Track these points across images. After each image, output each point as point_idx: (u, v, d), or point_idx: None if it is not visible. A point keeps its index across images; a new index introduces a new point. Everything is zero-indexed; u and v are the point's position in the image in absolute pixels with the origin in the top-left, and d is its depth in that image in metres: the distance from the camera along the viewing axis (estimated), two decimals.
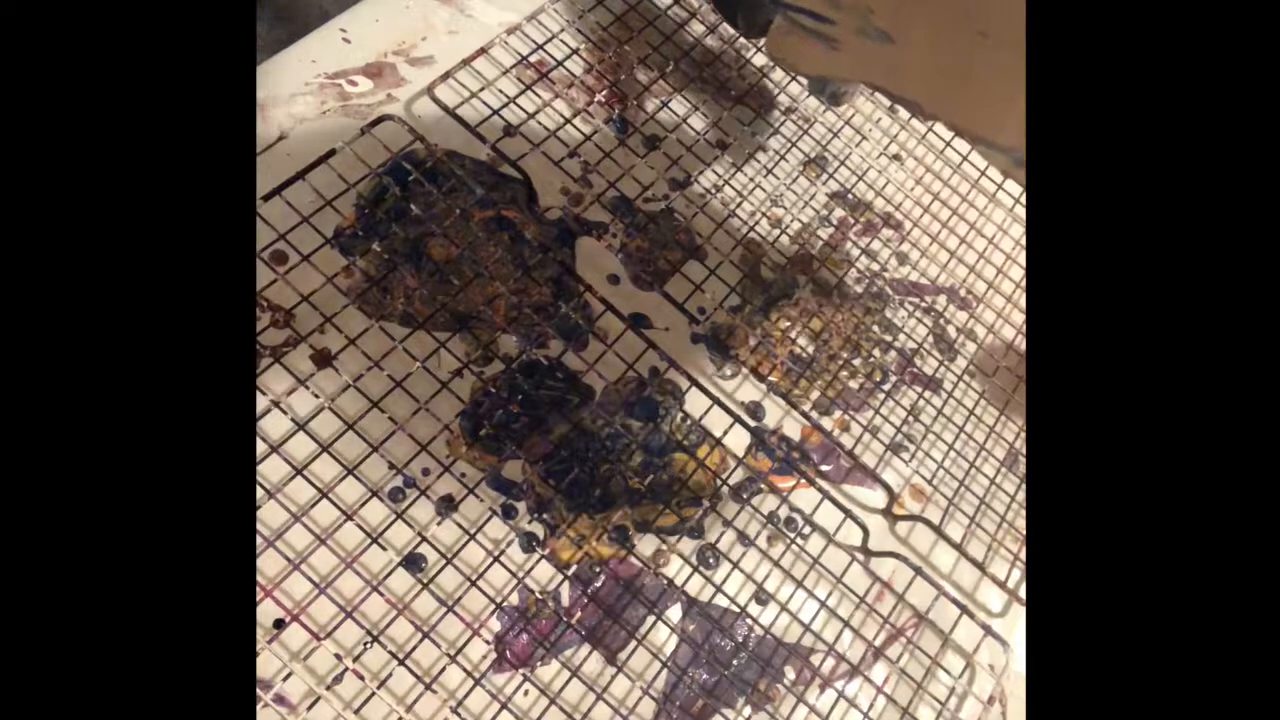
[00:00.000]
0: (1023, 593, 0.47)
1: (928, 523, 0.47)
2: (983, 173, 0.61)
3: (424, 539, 0.40)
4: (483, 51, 0.51)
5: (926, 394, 0.51)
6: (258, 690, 0.36)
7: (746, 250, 0.52)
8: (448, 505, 0.41)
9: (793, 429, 0.48)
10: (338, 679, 0.37)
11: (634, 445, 0.44)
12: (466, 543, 0.40)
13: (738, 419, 0.46)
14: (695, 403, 0.46)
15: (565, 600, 0.41)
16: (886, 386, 0.51)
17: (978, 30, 0.28)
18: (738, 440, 0.46)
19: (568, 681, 0.39)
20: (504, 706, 0.38)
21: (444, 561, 0.40)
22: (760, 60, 0.58)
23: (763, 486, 0.46)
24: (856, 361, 0.51)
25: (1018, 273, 0.58)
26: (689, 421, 0.46)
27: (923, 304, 0.55)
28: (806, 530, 0.45)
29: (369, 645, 0.38)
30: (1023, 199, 0.61)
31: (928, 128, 0.61)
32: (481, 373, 0.44)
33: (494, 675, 0.39)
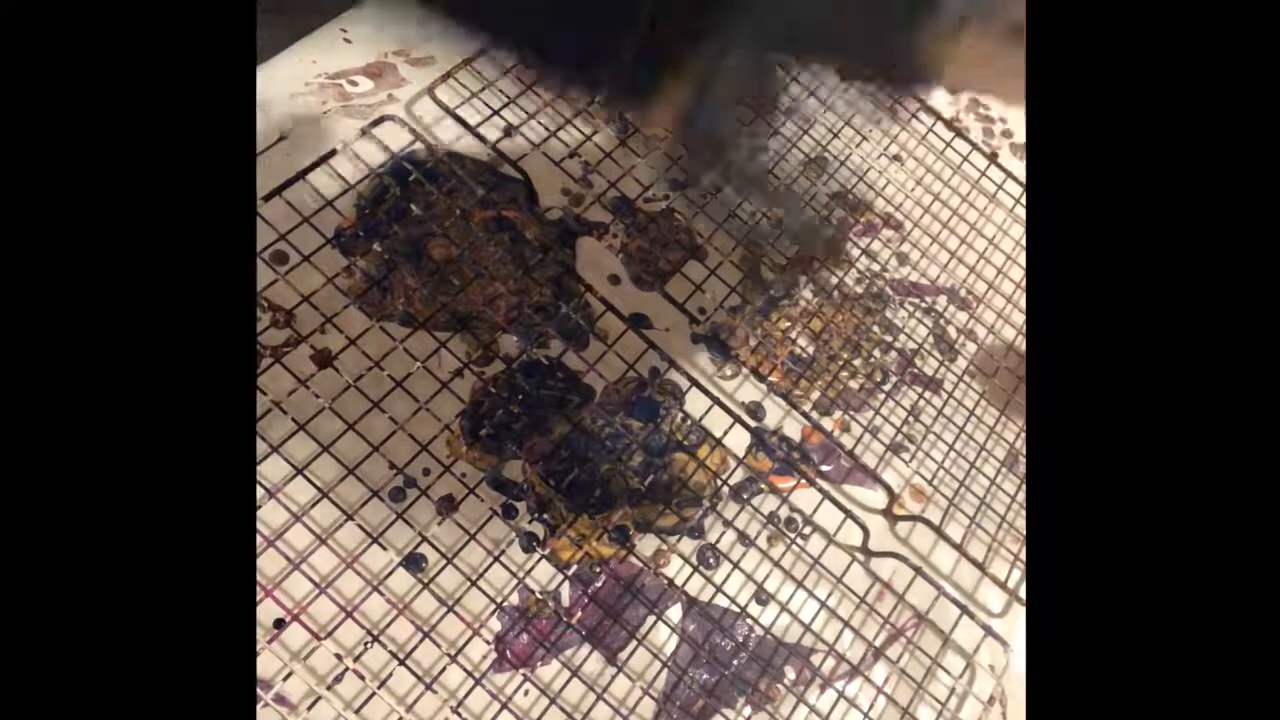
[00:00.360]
0: (1023, 593, 0.47)
1: (928, 523, 0.47)
2: (983, 173, 0.61)
3: (424, 539, 0.40)
4: (483, 52, 0.51)
5: (927, 394, 0.51)
6: (258, 690, 0.36)
7: (746, 250, 0.52)
8: (448, 505, 0.41)
9: (793, 429, 0.48)
10: (338, 679, 0.37)
11: (634, 445, 0.44)
12: (467, 543, 0.40)
13: (738, 419, 0.46)
14: (695, 403, 0.46)
15: (565, 600, 0.41)
16: (887, 387, 0.51)
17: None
18: (738, 440, 0.46)
19: (568, 681, 0.39)
20: (504, 706, 0.38)
21: (444, 561, 0.40)
22: None
23: (763, 487, 0.46)
24: (857, 362, 0.51)
25: (1018, 273, 0.58)
26: (689, 422, 0.46)
27: (923, 304, 0.55)
28: (807, 530, 0.45)
29: (369, 645, 0.38)
30: (1023, 199, 0.61)
31: (928, 128, 0.61)
32: (482, 373, 0.44)
33: (494, 675, 0.39)
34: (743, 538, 0.44)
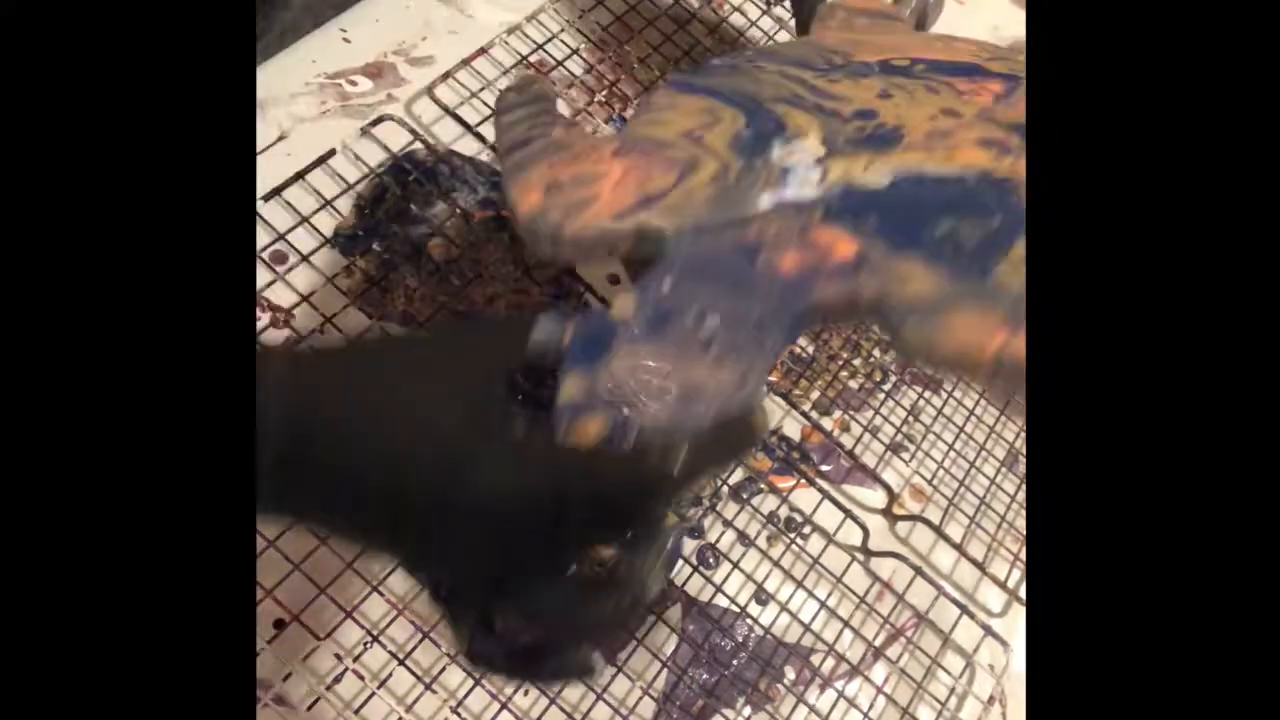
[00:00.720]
0: (1023, 593, 0.47)
1: (928, 523, 0.47)
2: None
3: None
4: (483, 51, 0.51)
5: (926, 394, 0.51)
6: (258, 690, 0.36)
7: None
8: None
9: (793, 429, 0.48)
10: (338, 679, 0.37)
11: None
12: None
13: None
14: None
15: None
16: (886, 386, 0.51)
17: None
18: None
19: (568, 681, 0.39)
20: (504, 706, 0.38)
21: None
22: None
23: (763, 486, 0.46)
24: (856, 361, 0.51)
25: None
26: None
27: None
28: (806, 530, 0.45)
29: (369, 645, 0.38)
30: None
31: None
32: None
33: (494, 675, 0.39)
34: (743, 538, 0.44)
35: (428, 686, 0.37)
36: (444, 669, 0.38)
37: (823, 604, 0.44)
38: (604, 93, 0.53)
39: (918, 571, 0.45)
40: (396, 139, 0.48)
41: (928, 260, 0.30)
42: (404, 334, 0.33)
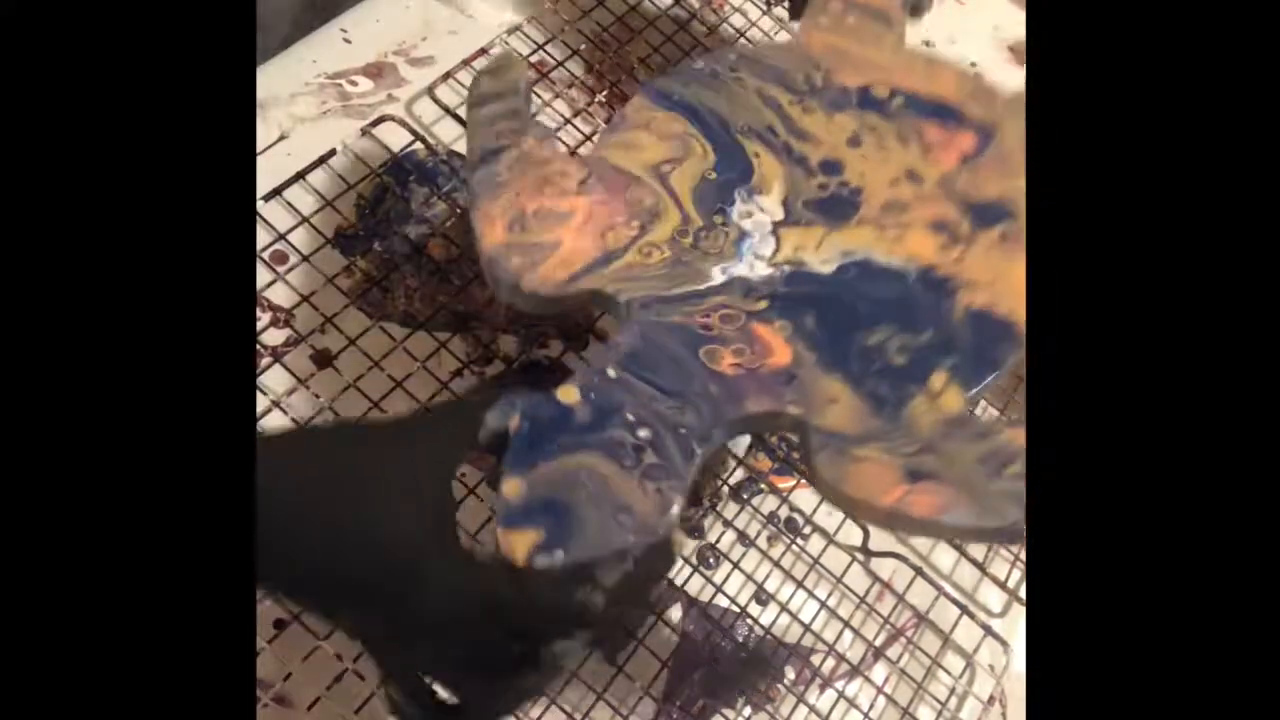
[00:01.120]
0: (1023, 593, 0.47)
1: None
2: None
3: None
4: (483, 51, 0.51)
5: None
6: (258, 690, 0.36)
7: None
8: None
9: None
10: (338, 679, 0.37)
11: None
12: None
13: None
14: None
15: None
16: None
17: None
18: (738, 440, 0.46)
19: (568, 681, 0.39)
20: None
21: None
22: None
23: (763, 486, 0.46)
24: None
25: None
26: None
27: None
28: (807, 530, 0.45)
29: None
30: None
31: None
32: (482, 373, 0.44)
33: None
34: (743, 538, 0.44)
35: None
36: None
37: (823, 604, 0.44)
38: (604, 93, 0.53)
39: (918, 572, 0.45)
40: (397, 139, 0.48)
41: (853, 386, 0.32)
42: (360, 424, 0.34)
